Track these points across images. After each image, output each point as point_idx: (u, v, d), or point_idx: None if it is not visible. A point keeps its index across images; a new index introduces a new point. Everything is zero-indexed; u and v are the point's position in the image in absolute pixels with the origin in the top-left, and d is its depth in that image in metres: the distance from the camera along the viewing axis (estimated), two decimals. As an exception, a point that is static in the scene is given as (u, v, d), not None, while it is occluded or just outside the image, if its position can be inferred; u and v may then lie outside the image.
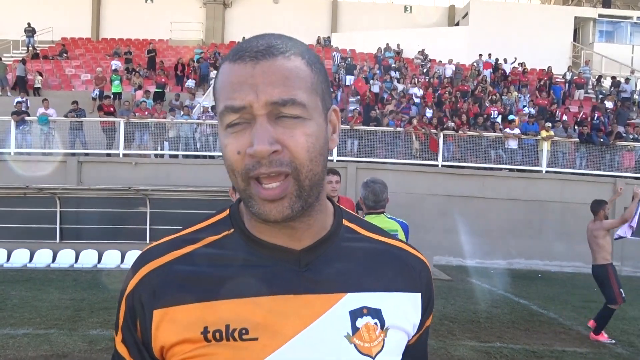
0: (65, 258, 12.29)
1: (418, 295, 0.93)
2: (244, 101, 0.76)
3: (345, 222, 0.93)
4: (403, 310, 0.90)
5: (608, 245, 6.86)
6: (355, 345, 0.83)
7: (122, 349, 0.87)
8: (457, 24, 28.17)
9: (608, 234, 6.87)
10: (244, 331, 0.80)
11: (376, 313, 0.86)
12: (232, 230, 0.88)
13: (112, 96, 16.97)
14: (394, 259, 0.92)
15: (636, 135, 15.64)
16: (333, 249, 0.87)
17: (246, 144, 0.76)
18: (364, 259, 0.89)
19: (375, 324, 0.86)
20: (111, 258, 12.24)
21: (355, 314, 0.84)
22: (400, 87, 18.73)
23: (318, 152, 0.79)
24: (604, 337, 6.88)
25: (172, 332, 0.82)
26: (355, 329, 0.84)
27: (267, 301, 0.81)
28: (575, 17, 26.96)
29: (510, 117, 16.22)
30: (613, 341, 6.83)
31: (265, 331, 0.80)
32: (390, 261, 0.92)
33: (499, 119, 16.22)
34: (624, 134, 15.44)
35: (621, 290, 6.71)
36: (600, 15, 27.15)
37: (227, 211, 0.91)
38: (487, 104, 17.55)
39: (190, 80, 18.74)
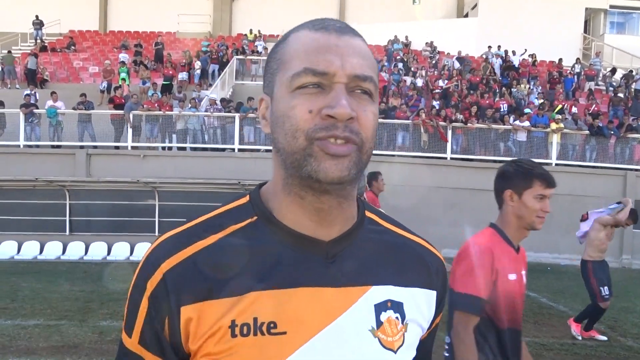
0: (75, 250, 12.38)
1: (433, 293, 0.92)
2: (330, 67, 0.77)
3: (368, 214, 0.92)
4: (419, 306, 0.89)
5: (598, 242, 6.54)
6: (379, 339, 0.82)
7: (139, 350, 0.82)
8: (466, 16, 27.93)
9: (603, 230, 6.61)
10: (272, 325, 0.78)
11: (398, 307, 0.86)
12: (255, 217, 0.85)
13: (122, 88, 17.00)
14: (414, 254, 0.92)
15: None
16: (358, 240, 0.86)
17: (319, 105, 0.76)
18: (387, 252, 0.89)
19: (397, 318, 0.85)
20: (120, 250, 12.32)
21: (380, 308, 0.84)
22: (408, 79, 18.62)
23: (375, 132, 0.81)
24: (595, 333, 6.63)
25: (201, 329, 0.79)
26: (379, 323, 0.83)
27: (296, 293, 0.79)
28: (586, 8, 26.64)
29: (527, 110, 16.04)
30: (605, 338, 6.64)
31: (294, 325, 0.79)
32: (410, 256, 0.91)
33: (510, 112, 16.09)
34: (634, 126, 15.28)
35: (602, 288, 6.37)
36: (611, 6, 26.80)
37: (247, 197, 0.89)
38: (497, 98, 17.42)
39: (183, 73, 18.71)
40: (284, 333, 0.78)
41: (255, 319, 0.78)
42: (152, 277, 0.81)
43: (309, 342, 0.78)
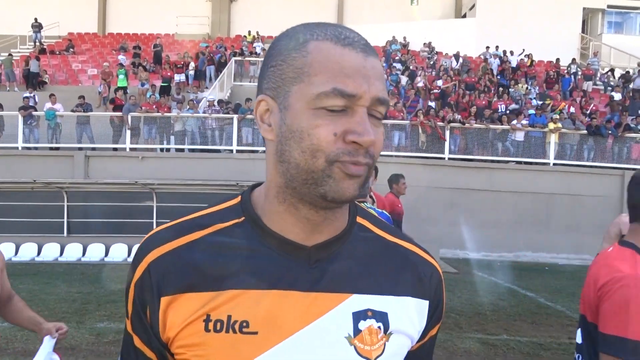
0: (73, 252, 12.38)
1: (426, 303, 0.91)
2: (359, 90, 0.76)
3: (359, 219, 0.91)
4: (409, 316, 0.88)
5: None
6: (355, 347, 0.82)
7: (132, 335, 0.87)
8: (464, 16, 27.96)
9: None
10: (244, 324, 0.79)
11: (381, 316, 0.85)
12: (242, 219, 0.86)
13: (120, 90, 17.02)
14: (405, 262, 0.90)
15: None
16: (345, 247, 0.86)
17: (343, 128, 0.76)
18: (375, 259, 0.88)
19: (379, 327, 0.84)
20: (118, 252, 12.32)
21: (359, 316, 0.83)
22: (404, 79, 18.64)
23: None
24: None
25: (178, 320, 0.81)
26: (357, 331, 0.82)
27: (272, 295, 0.80)
28: (584, 8, 26.68)
29: (531, 111, 16.01)
30: None
31: (266, 326, 0.79)
32: (401, 264, 0.90)
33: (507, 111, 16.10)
34: (632, 126, 15.30)
35: None
36: (609, 6, 26.84)
37: (238, 199, 0.89)
38: (495, 98, 17.44)
39: (180, 75, 18.72)
40: (255, 333, 0.79)
41: (229, 317, 0.79)
42: (138, 267, 0.84)
43: (281, 344, 0.79)
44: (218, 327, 0.79)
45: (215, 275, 0.81)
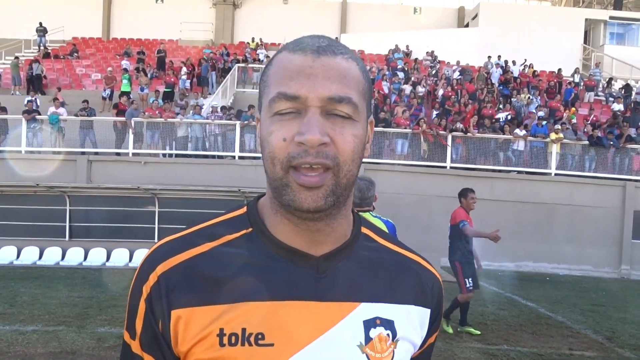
0: (74, 256, 12.38)
1: (427, 312, 0.93)
2: (300, 90, 0.76)
3: (364, 230, 0.93)
4: (412, 323, 0.90)
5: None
6: (367, 355, 0.83)
7: (142, 354, 0.84)
8: (467, 26, 28.08)
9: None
10: (260, 336, 0.79)
11: (389, 324, 0.86)
12: (250, 229, 0.86)
13: (124, 96, 17.09)
14: (409, 271, 0.92)
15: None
16: (351, 256, 0.87)
17: (293, 132, 0.76)
18: (380, 269, 0.89)
19: (388, 334, 0.85)
20: (120, 256, 12.32)
21: (369, 324, 0.84)
22: (407, 88, 18.70)
23: (359, 154, 0.81)
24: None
25: (190, 334, 0.80)
26: (368, 339, 0.84)
27: (285, 306, 0.81)
28: (586, 19, 26.80)
29: (534, 123, 16.01)
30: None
31: (282, 337, 0.79)
32: (405, 273, 0.91)
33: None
34: (633, 136, 15.32)
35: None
36: (611, 17, 26.97)
37: (245, 209, 0.90)
38: (496, 108, 17.48)
39: (186, 80, 18.78)
40: (272, 345, 0.79)
41: (243, 330, 0.79)
42: (148, 280, 0.82)
43: (296, 354, 0.79)
44: (233, 341, 0.79)
45: (226, 288, 0.81)
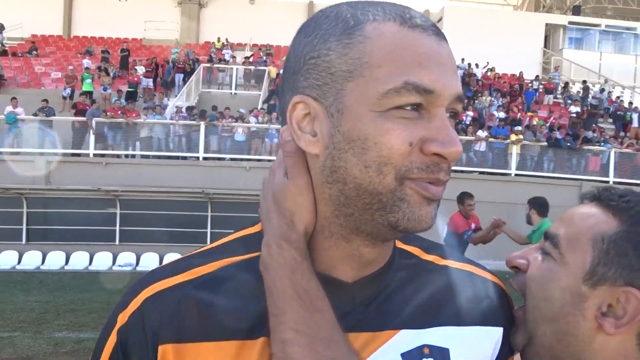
0: (32, 259, 12.07)
1: (498, 330, 0.74)
2: (436, 84, 0.59)
3: (400, 245, 0.75)
4: (475, 350, 0.71)
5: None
6: None
7: None
8: (432, 28, 28.52)
9: None
10: None
11: (441, 354, 0.68)
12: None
13: (84, 95, 16.73)
14: (464, 285, 0.74)
15: (602, 139, 16.12)
16: (388, 277, 0.71)
17: (418, 136, 0.59)
18: (426, 289, 0.72)
19: None
20: (79, 260, 12.08)
21: (411, 356, 0.67)
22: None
23: None
24: None
25: None
26: None
27: None
28: (547, 24, 27.58)
29: (517, 127, 16.22)
30: None
31: None
32: (459, 289, 0.74)
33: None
34: (590, 138, 15.88)
35: None
36: (570, 23, 27.81)
37: (259, 226, 0.71)
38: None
39: (148, 80, 18.53)
40: None
41: None
42: (127, 307, 0.66)
43: None
44: None
45: (238, 320, 0.65)
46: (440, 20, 27.26)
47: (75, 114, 14.95)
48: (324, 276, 0.66)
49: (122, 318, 0.66)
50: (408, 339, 0.68)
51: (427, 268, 0.75)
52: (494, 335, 0.74)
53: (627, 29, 27.69)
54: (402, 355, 0.67)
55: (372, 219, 0.62)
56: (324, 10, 0.64)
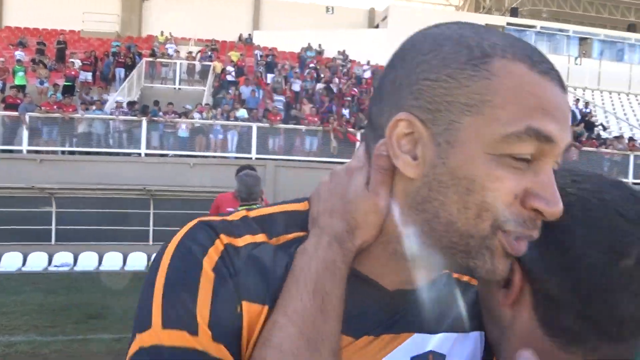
0: (-41, 261, 11.43)
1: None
2: (558, 134, 0.56)
3: None
4: (468, 355, 0.70)
5: None
6: None
7: (214, 348, 0.57)
8: (377, 27, 28.95)
9: None
10: None
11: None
12: (304, 233, 0.66)
13: (16, 89, 15.93)
14: (463, 293, 0.73)
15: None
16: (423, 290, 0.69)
17: (523, 188, 0.56)
18: (440, 293, 0.71)
19: None
20: (10, 261, 11.55)
21: None
22: (319, 86, 18.97)
23: None
24: None
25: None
26: None
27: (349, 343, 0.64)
28: (486, 24, 28.07)
29: None
30: None
31: None
32: (460, 296, 0.73)
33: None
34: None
35: None
36: (508, 24, 28.92)
37: (307, 204, 0.69)
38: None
39: (87, 73, 17.86)
40: None
41: None
42: (213, 245, 0.60)
43: None
44: None
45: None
46: (385, 18, 27.72)
47: (5, 109, 14.23)
48: (365, 277, 0.65)
49: (211, 256, 0.59)
50: (419, 342, 0.67)
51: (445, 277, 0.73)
52: (480, 338, 0.73)
53: (560, 30, 29.11)
54: (412, 358, 0.66)
55: (450, 257, 0.59)
56: (442, 28, 0.62)
